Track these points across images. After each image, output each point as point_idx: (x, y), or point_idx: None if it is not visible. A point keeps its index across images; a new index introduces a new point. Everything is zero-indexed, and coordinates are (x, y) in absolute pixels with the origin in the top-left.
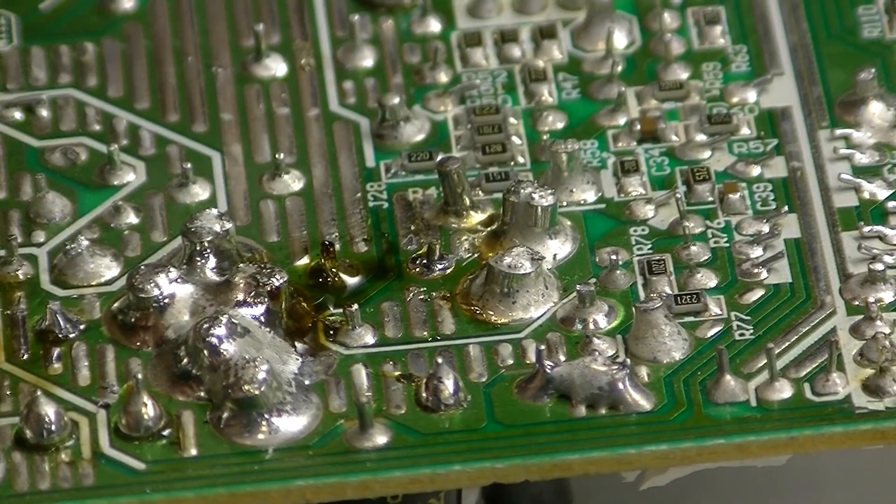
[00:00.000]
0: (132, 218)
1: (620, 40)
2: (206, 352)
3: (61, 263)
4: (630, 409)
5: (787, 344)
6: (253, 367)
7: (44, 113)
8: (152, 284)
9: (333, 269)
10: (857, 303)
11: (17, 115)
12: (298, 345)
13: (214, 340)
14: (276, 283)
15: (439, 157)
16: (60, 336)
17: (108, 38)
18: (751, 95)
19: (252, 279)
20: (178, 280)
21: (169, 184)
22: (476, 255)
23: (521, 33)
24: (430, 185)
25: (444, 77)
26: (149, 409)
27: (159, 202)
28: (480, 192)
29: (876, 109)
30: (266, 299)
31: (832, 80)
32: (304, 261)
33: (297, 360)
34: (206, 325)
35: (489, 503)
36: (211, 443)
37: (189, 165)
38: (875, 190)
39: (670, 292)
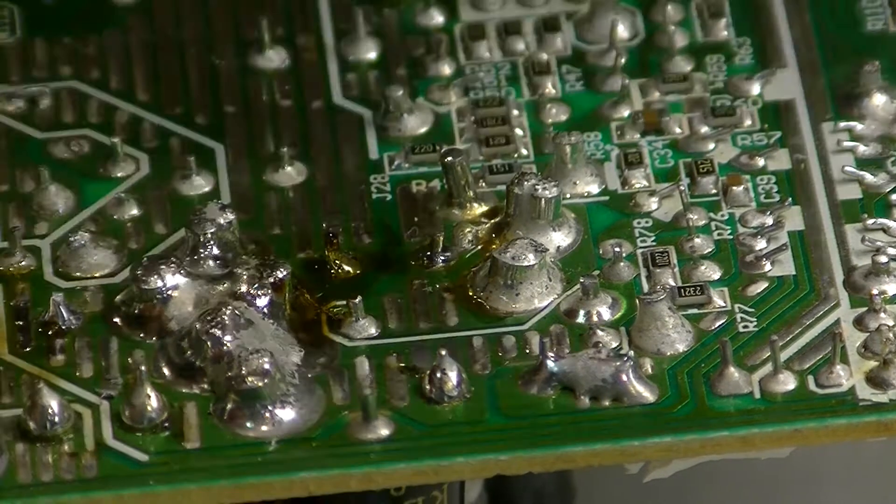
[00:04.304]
0: (135, 210)
1: (624, 32)
2: (209, 343)
3: (64, 255)
4: (634, 401)
5: (790, 336)
6: (256, 358)
7: (46, 105)
8: (155, 276)
9: (337, 261)
10: (860, 295)
11: (20, 106)
12: (302, 336)
13: (218, 332)
14: (280, 275)
15: (443, 149)
16: (63, 328)
17: (111, 30)
18: (754, 88)
19: (255, 271)
20: (182, 272)
21: (172, 176)
22: (479, 247)
23: (525, 25)
24: (434, 177)
25: (447, 69)
26: (152, 401)
27: (162, 194)
28: (484, 184)
29: (879, 102)
30: (269, 291)
31: (836, 72)
32: (308, 252)
33: (301, 351)
34: (209, 317)
35: (492, 495)
36: (214, 434)
37: (192, 157)
38: (879, 182)
39: (674, 284)
